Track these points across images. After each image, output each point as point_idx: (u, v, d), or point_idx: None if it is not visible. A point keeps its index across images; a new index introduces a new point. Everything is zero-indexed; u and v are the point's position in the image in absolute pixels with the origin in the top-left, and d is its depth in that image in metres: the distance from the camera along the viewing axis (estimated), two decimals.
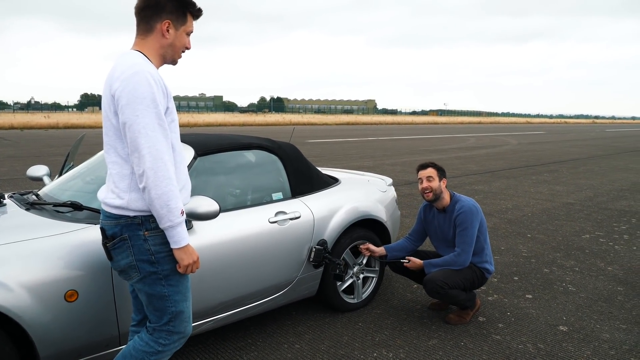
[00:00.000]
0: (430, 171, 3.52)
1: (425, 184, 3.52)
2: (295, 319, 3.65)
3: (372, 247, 3.68)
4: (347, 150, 19.40)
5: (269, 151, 3.46)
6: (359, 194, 3.92)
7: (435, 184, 3.50)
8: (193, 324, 2.83)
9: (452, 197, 3.56)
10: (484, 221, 3.50)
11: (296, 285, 3.36)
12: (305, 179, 3.58)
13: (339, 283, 3.68)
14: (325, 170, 4.61)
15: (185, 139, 3.20)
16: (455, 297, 3.40)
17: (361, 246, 3.67)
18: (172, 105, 2.08)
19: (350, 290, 3.93)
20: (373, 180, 4.33)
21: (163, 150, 1.96)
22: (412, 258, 3.55)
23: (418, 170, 3.56)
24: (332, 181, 3.94)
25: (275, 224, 3.15)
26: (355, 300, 3.81)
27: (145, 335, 2.17)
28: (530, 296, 4.10)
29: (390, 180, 4.54)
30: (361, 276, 3.86)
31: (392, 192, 4.40)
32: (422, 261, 3.50)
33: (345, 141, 25.08)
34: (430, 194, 3.53)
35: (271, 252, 3.11)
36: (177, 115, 2.14)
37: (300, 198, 3.47)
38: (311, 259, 3.34)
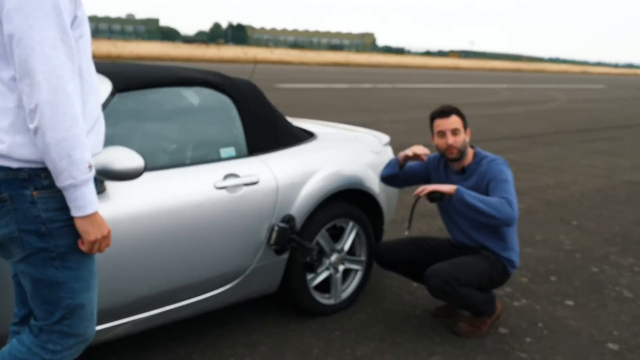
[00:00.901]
0: (455, 120, 3.53)
1: (450, 139, 3.53)
2: (247, 324, 3.68)
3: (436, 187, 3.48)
4: (332, 100, 19.37)
5: (219, 90, 3.44)
6: (343, 154, 3.94)
7: (461, 138, 3.53)
8: (101, 327, 2.82)
9: (476, 153, 3.61)
10: None
11: (250, 277, 3.38)
12: (267, 131, 3.58)
13: (309, 276, 3.72)
14: (298, 122, 4.60)
15: (101, 68, 3.15)
16: (467, 297, 3.47)
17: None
18: (83, 15, 2.02)
19: (325, 286, 3.96)
20: (363, 137, 4.34)
21: (66, 77, 1.91)
22: (434, 187, 3.45)
23: (434, 118, 3.57)
24: (306, 136, 3.94)
25: (224, 190, 3.15)
26: (331, 301, 3.87)
27: (28, 337, 2.14)
28: (571, 303, 4.21)
29: (386, 139, 4.56)
30: (341, 268, 3.90)
31: (388, 156, 4.41)
32: (452, 186, 3.44)
33: (330, 88, 25.01)
34: (455, 152, 3.55)
35: (216, 229, 3.12)
36: (89, 30, 2.08)
37: (259, 156, 3.46)
38: (272, 242, 3.35)
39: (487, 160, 3.53)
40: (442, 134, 3.55)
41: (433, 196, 3.41)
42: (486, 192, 3.49)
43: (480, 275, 3.50)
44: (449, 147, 3.55)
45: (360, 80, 32.89)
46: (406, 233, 3.87)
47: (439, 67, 65.47)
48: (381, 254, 3.80)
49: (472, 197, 3.36)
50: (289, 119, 4.05)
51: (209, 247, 3.12)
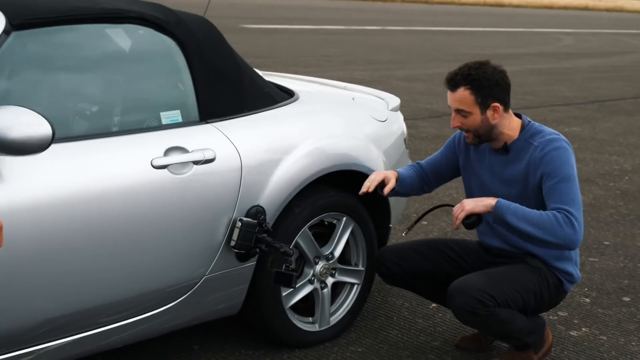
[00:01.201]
0: (462, 97, 3.51)
1: (454, 120, 3.56)
2: (196, 359, 3.72)
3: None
4: (322, 47, 19.32)
5: (159, 29, 3.44)
6: (333, 122, 3.92)
7: (473, 119, 3.52)
8: None
9: (524, 127, 3.60)
10: None
11: (202, 293, 3.41)
12: (228, 88, 3.58)
13: (285, 292, 3.76)
14: (272, 77, 4.61)
15: None
16: (507, 323, 3.51)
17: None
18: None
19: (307, 307, 3.99)
20: (363, 99, 4.37)
21: None
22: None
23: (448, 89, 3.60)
24: (283, 96, 3.96)
25: (165, 170, 3.16)
26: (316, 327, 3.91)
27: None
28: None
29: (396, 101, 4.57)
30: (330, 281, 3.95)
31: (398, 125, 4.43)
32: (488, 200, 3.48)
33: (320, 30, 24.94)
34: (470, 136, 3.58)
35: (154, 225, 3.13)
36: None
37: (216, 124, 3.48)
38: (234, 243, 3.39)
39: (542, 139, 3.52)
40: (451, 109, 3.60)
41: (468, 223, 3.44)
42: (539, 189, 3.50)
43: (526, 292, 3.54)
44: (457, 128, 3.60)
45: (363, 20, 32.85)
46: (403, 234, 3.89)
47: (472, 2, 65.44)
48: (386, 263, 3.82)
49: (517, 215, 3.39)
50: (260, 73, 4.06)
51: (144, 251, 3.12)
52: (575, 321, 4.38)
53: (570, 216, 3.37)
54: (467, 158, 3.79)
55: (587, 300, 4.69)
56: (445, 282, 3.84)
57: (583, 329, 4.28)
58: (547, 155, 3.48)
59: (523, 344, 3.66)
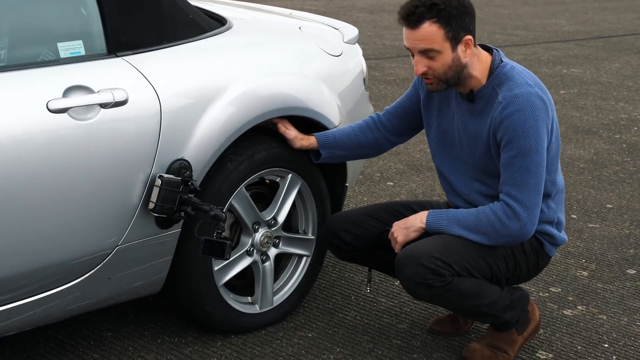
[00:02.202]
0: (428, 33, 3.44)
1: (419, 65, 3.49)
2: (110, 348, 3.74)
3: (288, 126, 3.85)
4: None
5: None
6: (274, 57, 3.92)
7: (443, 60, 3.48)
8: None
9: (493, 69, 3.58)
10: (555, 128, 3.62)
11: (113, 267, 3.40)
12: (144, 13, 3.56)
13: (218, 266, 3.77)
14: (200, 2, 4.58)
15: None
16: (471, 297, 3.50)
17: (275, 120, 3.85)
18: None
19: (245, 284, 4.01)
20: (312, 28, 4.35)
21: None
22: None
23: (399, 21, 3.54)
24: (213, 24, 3.94)
25: (65, 115, 3.14)
26: (256, 308, 3.94)
27: None
28: None
29: (353, 32, 4.56)
30: (272, 252, 3.97)
31: (356, 61, 4.44)
32: (418, 221, 3.57)
33: None
34: (433, 83, 3.52)
35: (52, 183, 3.11)
36: None
37: (129, 57, 3.46)
38: (152, 206, 3.38)
39: (508, 93, 3.47)
40: (410, 52, 3.55)
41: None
42: (497, 147, 3.51)
43: (493, 257, 3.56)
44: (420, 75, 3.54)
45: None
46: (368, 290, 3.88)
47: None
48: (337, 233, 3.79)
49: (456, 225, 3.51)
50: None
51: (40, 216, 3.11)
52: (570, 298, 4.43)
53: (514, 205, 3.43)
54: (428, 99, 3.79)
55: (585, 273, 4.74)
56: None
57: (579, 307, 4.33)
58: (507, 118, 3.46)
59: (503, 323, 3.69)
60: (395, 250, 3.56)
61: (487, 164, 3.60)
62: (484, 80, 3.56)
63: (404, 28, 3.48)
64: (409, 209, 3.86)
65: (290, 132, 3.82)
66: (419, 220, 3.57)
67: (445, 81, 3.50)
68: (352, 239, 3.78)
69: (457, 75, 3.51)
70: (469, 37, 3.46)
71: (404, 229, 3.57)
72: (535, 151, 3.45)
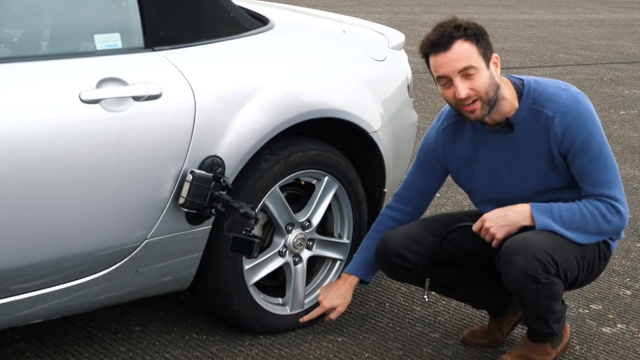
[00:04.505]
0: (462, 50, 3.40)
1: (461, 87, 3.42)
2: (137, 342, 3.76)
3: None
4: None
5: None
6: (315, 58, 3.93)
7: (481, 79, 3.42)
8: None
9: (519, 89, 3.53)
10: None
11: (141, 260, 3.43)
12: (183, 8, 3.58)
13: (249, 265, 3.78)
14: (243, 1, 4.59)
15: None
16: (555, 301, 3.52)
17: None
18: None
19: (277, 285, 4.02)
20: (356, 32, 4.34)
21: None
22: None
23: (428, 55, 3.49)
24: (254, 24, 3.96)
25: (97, 106, 3.17)
26: (286, 310, 3.95)
27: None
28: None
29: (399, 38, 4.57)
30: (306, 255, 3.97)
31: (401, 68, 4.44)
32: (520, 214, 3.52)
33: None
34: (477, 106, 3.46)
35: (82, 172, 3.15)
36: None
37: (165, 52, 3.48)
38: (183, 201, 3.40)
39: (556, 105, 3.46)
40: (445, 81, 3.49)
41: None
42: (565, 164, 3.51)
43: (583, 261, 3.55)
44: (461, 101, 3.46)
45: None
46: (425, 298, 3.79)
47: None
48: (400, 252, 3.68)
49: (562, 224, 3.46)
50: None
51: (69, 205, 3.14)
52: (610, 316, 4.39)
53: (614, 203, 3.45)
54: (458, 157, 3.72)
55: (628, 292, 4.69)
56: (468, 267, 3.83)
57: (619, 326, 4.29)
58: (569, 128, 3.45)
59: (546, 334, 3.67)
60: (493, 245, 3.51)
61: (552, 181, 3.58)
62: (516, 103, 3.54)
63: (433, 59, 3.44)
64: (459, 220, 3.80)
65: (341, 307, 3.85)
66: (521, 216, 3.50)
67: (488, 102, 3.44)
68: (416, 257, 3.70)
69: (495, 96, 3.46)
70: (496, 55, 3.48)
71: (504, 226, 3.49)
72: (606, 147, 3.51)
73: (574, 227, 3.46)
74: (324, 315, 3.89)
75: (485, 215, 3.54)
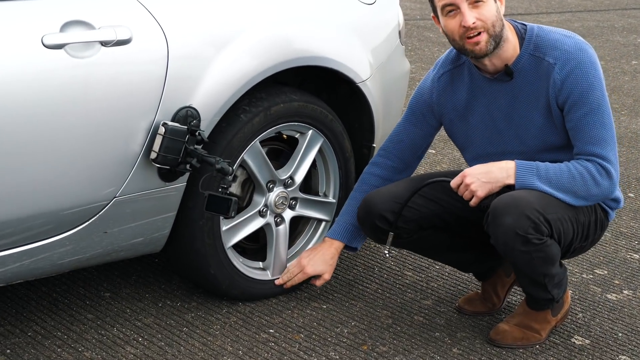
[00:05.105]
0: None
1: (468, 15, 3.42)
2: (106, 309, 3.76)
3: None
4: None
5: None
6: (298, 2, 3.92)
7: (489, 8, 3.42)
8: None
9: (521, 33, 3.54)
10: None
11: (110, 220, 3.41)
12: None
13: (227, 225, 3.77)
14: None
15: None
16: (551, 264, 3.51)
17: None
18: None
19: (258, 248, 4.03)
20: None
21: None
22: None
23: None
24: None
25: (62, 51, 3.14)
26: (267, 274, 3.95)
27: None
28: None
29: None
30: (288, 215, 3.96)
31: (392, 13, 4.41)
32: (508, 163, 3.52)
33: None
34: (482, 39, 3.47)
35: (45, 124, 3.12)
36: None
37: None
38: (155, 156, 3.37)
39: (559, 52, 3.49)
40: (451, 9, 3.47)
41: (485, 203, 3.48)
42: (560, 112, 3.52)
43: (577, 224, 3.56)
44: (470, 30, 3.47)
45: None
46: (386, 253, 3.76)
47: None
48: (384, 214, 3.69)
49: (548, 182, 3.45)
50: None
51: (31, 159, 3.12)
52: (617, 282, 4.37)
53: (605, 164, 3.45)
54: (453, 107, 3.73)
55: (636, 256, 4.67)
56: (455, 231, 3.84)
57: (625, 292, 4.27)
58: (569, 76, 3.47)
59: (545, 300, 3.67)
60: (471, 204, 3.50)
61: (550, 137, 3.58)
62: (517, 48, 3.55)
63: None
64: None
65: (327, 274, 3.87)
66: (505, 173, 3.49)
67: (494, 37, 3.45)
68: (403, 221, 3.69)
69: (501, 33, 3.47)
70: None
71: (486, 182, 3.48)
72: (605, 102, 3.51)
73: (561, 187, 3.45)
74: (307, 280, 3.89)
75: (467, 170, 3.51)
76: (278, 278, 3.93)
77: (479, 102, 3.66)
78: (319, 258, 3.83)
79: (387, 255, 3.79)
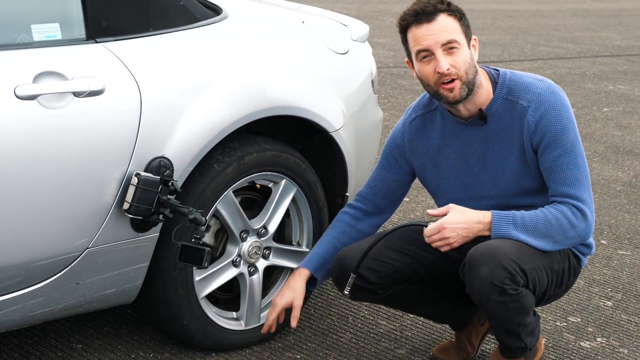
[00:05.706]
0: (447, 23, 3.46)
1: (442, 61, 3.45)
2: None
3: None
4: None
5: None
6: (272, 51, 3.92)
7: (463, 56, 3.47)
8: None
9: (494, 78, 3.59)
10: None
11: (82, 271, 3.40)
12: None
13: (200, 276, 3.77)
14: None
15: None
16: (525, 313, 3.51)
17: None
18: None
19: (231, 299, 4.02)
20: (316, 22, 4.33)
21: None
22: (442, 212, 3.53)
23: (407, 27, 3.53)
24: (206, 14, 3.95)
25: (34, 102, 3.15)
26: (241, 324, 3.94)
27: None
28: None
29: (363, 30, 4.58)
30: (262, 265, 3.96)
31: (365, 62, 4.44)
32: (484, 213, 3.50)
33: None
34: (456, 86, 3.49)
35: (17, 175, 3.12)
36: None
37: (108, 44, 3.46)
38: (127, 206, 3.38)
39: (532, 95, 3.53)
40: (425, 54, 3.52)
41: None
42: (534, 155, 3.54)
43: (552, 272, 3.56)
44: (444, 76, 3.50)
45: None
46: (346, 293, 3.71)
47: None
48: (360, 272, 3.62)
49: (525, 230, 3.45)
50: None
51: (3, 211, 3.11)
52: (590, 329, 4.40)
53: (580, 205, 3.47)
54: (425, 152, 3.74)
55: (609, 303, 4.71)
56: (429, 283, 3.83)
57: (598, 339, 4.30)
58: (543, 119, 3.50)
59: (515, 349, 3.67)
60: (442, 250, 3.48)
61: (524, 180, 3.60)
62: (491, 93, 3.59)
63: (414, 30, 3.48)
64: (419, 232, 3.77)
65: (297, 300, 3.76)
66: (481, 224, 3.48)
67: (467, 84, 3.47)
68: (377, 277, 3.67)
69: (474, 80, 3.50)
70: (475, 38, 3.55)
71: (465, 236, 3.47)
72: (578, 144, 3.55)
73: (538, 234, 3.45)
74: (283, 327, 3.90)
75: (445, 221, 3.46)
76: (252, 328, 3.92)
77: (452, 147, 3.68)
78: (286, 289, 3.80)
79: (347, 294, 3.73)
